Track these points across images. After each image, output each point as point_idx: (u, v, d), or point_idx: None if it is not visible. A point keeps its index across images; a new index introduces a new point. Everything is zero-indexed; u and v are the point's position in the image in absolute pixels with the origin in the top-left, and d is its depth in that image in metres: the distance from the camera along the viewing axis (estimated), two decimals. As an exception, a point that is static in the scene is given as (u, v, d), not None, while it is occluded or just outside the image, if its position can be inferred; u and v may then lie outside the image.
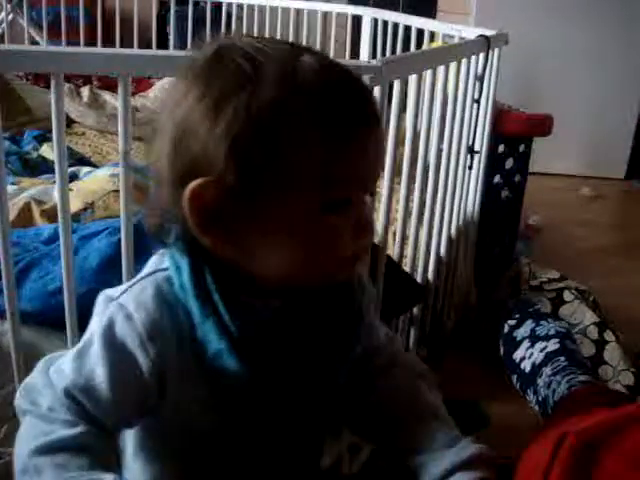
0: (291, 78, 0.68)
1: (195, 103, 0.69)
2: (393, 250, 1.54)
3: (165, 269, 0.75)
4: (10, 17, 3.76)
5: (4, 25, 3.73)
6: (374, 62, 1.16)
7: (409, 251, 1.61)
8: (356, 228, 0.73)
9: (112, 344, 0.72)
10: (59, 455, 0.70)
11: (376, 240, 1.37)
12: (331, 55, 3.20)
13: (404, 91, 1.32)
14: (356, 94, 0.72)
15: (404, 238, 1.53)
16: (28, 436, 0.72)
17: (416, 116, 1.43)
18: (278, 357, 0.77)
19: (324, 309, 0.80)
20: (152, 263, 0.78)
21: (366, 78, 1.12)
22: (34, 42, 3.80)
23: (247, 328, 0.73)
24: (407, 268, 1.60)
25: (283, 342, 0.78)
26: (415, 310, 1.72)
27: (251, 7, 3.60)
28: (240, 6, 3.67)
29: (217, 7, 3.68)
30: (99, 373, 0.72)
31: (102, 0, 3.69)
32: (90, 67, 1.10)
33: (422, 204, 1.60)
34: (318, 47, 3.21)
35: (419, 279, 1.68)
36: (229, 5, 3.67)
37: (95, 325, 0.74)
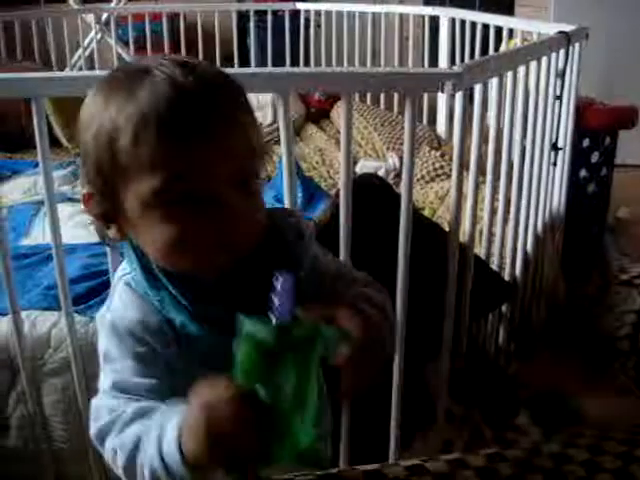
0: (127, 99, 0.77)
1: (84, 122, 0.82)
2: (480, 249, 1.57)
3: (129, 272, 0.87)
4: (99, 36, 3.93)
5: (93, 44, 3.90)
6: (455, 69, 1.19)
7: (496, 249, 1.63)
8: (210, 220, 0.77)
9: (122, 340, 0.85)
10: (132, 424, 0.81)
11: (463, 239, 1.40)
12: (410, 57, 3.24)
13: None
14: (182, 103, 0.76)
15: (491, 236, 1.55)
16: (105, 441, 0.83)
17: (499, 116, 1.45)
18: (229, 316, 0.81)
19: (261, 271, 0.82)
20: (119, 270, 0.90)
21: (448, 85, 1.16)
22: (121, 59, 3.97)
23: (196, 298, 0.84)
24: (494, 266, 1.62)
25: (231, 304, 0.82)
26: (503, 307, 1.74)
27: (329, 13, 3.66)
28: (318, 13, 3.74)
29: (295, 15, 3.76)
30: (126, 363, 0.84)
31: (184, 15, 3.81)
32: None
33: (507, 202, 1.62)
34: (396, 50, 3.25)
35: (506, 276, 1.70)
36: (307, 12, 3.73)
37: (104, 338, 0.87)
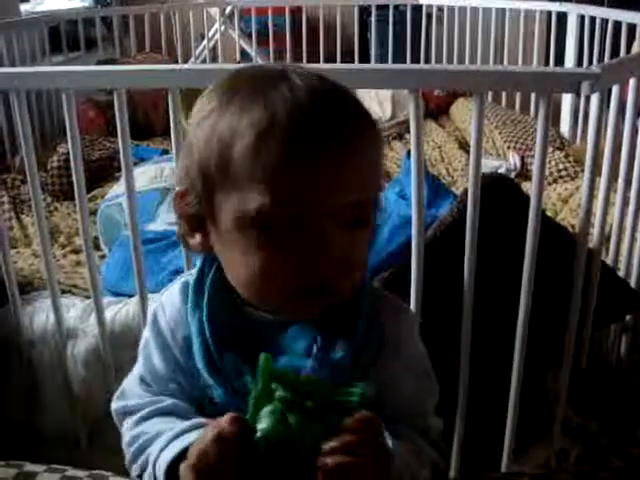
0: (255, 102, 0.69)
1: (195, 119, 0.76)
2: (608, 255, 1.51)
3: (192, 274, 0.84)
4: (222, 28, 4.02)
5: (217, 36, 4.00)
6: (593, 69, 1.15)
7: (623, 256, 1.57)
8: (308, 256, 0.70)
9: (159, 335, 0.83)
10: (146, 421, 0.82)
11: (591, 245, 1.35)
12: (534, 55, 3.16)
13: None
14: (319, 117, 0.68)
15: (619, 243, 1.50)
16: (125, 421, 0.85)
17: (634, 119, 1.39)
18: (239, 372, 0.77)
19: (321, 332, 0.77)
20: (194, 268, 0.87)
21: (585, 85, 1.12)
22: (243, 51, 4.05)
23: (221, 337, 0.78)
24: (621, 273, 1.56)
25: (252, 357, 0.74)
26: (628, 316, 1.67)
27: (451, 8, 3.61)
28: (440, 8, 3.69)
29: (417, 10, 3.73)
30: (155, 360, 0.83)
31: (306, 8, 3.85)
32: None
33: (637, 208, 1.56)
34: (520, 47, 3.17)
35: (633, 284, 1.64)
36: (429, 7, 3.70)
37: (147, 325, 0.86)
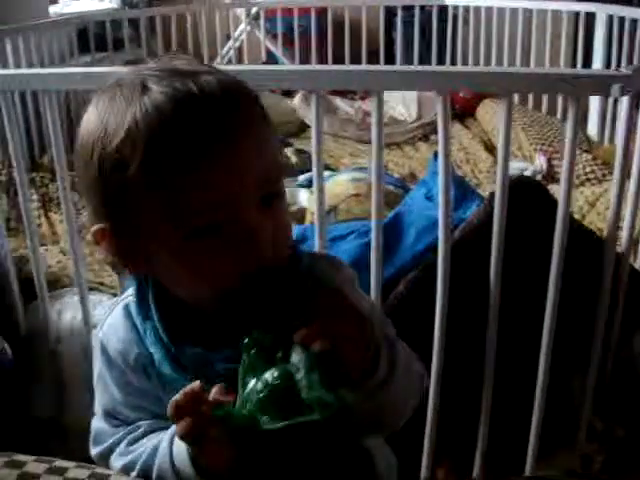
0: (128, 117, 0.68)
1: (82, 152, 0.74)
2: (637, 260, 1.50)
3: (131, 295, 0.84)
4: (248, 29, 4.03)
5: (243, 37, 4.02)
6: (623, 70, 1.14)
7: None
8: (238, 244, 0.71)
9: (110, 363, 0.83)
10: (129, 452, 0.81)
11: (620, 249, 1.34)
12: (561, 56, 3.13)
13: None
14: (199, 114, 0.69)
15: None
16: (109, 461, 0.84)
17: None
18: (206, 361, 0.77)
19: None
20: (128, 291, 0.86)
21: (615, 88, 1.11)
22: (269, 52, 4.06)
23: (178, 336, 0.78)
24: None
25: (213, 346, 0.77)
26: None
27: (477, 9, 3.59)
28: (466, 8, 3.68)
29: (443, 10, 3.71)
30: (114, 390, 0.83)
31: (332, 9, 3.85)
32: (349, 84, 1.19)
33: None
34: (547, 48, 3.15)
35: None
36: (455, 8, 3.68)
37: (96, 358, 0.86)
